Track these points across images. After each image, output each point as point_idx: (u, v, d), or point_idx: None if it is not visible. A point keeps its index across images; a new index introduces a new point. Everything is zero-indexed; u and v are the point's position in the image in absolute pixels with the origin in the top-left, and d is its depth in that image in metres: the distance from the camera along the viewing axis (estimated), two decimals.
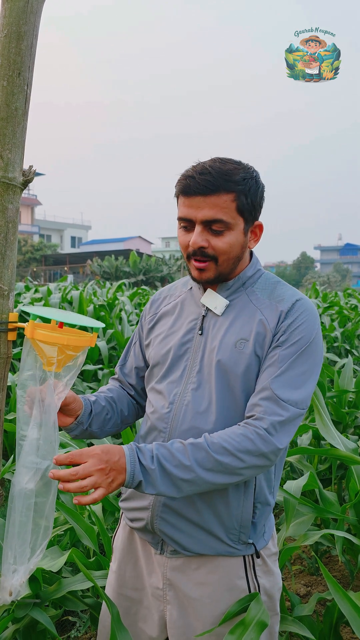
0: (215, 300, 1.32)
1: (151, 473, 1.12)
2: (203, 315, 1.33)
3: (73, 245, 59.81)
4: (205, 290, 1.35)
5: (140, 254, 28.76)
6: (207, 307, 1.33)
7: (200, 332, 1.32)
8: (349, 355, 4.69)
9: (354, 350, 6.63)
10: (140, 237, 52.88)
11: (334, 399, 3.81)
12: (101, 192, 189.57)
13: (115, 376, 1.55)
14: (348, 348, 6.65)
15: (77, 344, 1.16)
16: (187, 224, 1.27)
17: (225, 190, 1.21)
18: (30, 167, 1.25)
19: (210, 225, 1.23)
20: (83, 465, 1.06)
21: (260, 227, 1.32)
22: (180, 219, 1.28)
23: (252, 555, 1.30)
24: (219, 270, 1.27)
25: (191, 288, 1.42)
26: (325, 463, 3.28)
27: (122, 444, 4.00)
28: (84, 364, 4.95)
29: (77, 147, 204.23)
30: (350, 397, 3.97)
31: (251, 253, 1.37)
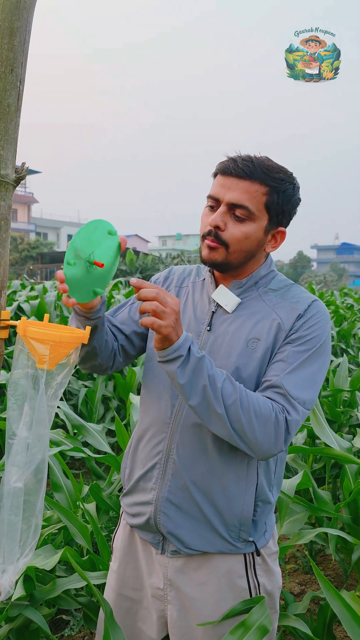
0: (227, 298, 1.30)
1: (191, 359, 1.12)
2: (213, 312, 1.31)
3: None
4: (216, 285, 1.33)
5: (136, 253, 28.73)
6: (217, 303, 1.32)
7: (208, 329, 1.30)
8: (344, 355, 4.70)
9: (349, 350, 6.64)
10: (137, 235, 52.87)
11: (329, 398, 3.82)
12: (98, 190, 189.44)
13: None
14: (344, 347, 6.66)
15: (69, 341, 1.15)
16: (214, 203, 1.26)
17: (260, 180, 1.22)
18: (23, 164, 1.24)
19: (234, 210, 1.23)
20: (164, 295, 1.08)
21: (283, 234, 1.31)
22: (209, 196, 1.28)
23: (252, 554, 1.30)
24: (228, 258, 1.26)
25: (204, 279, 1.40)
26: (320, 462, 3.28)
27: (116, 442, 3.99)
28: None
29: (74, 145, 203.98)
30: (345, 397, 3.97)
31: (267, 255, 1.36)
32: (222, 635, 1.26)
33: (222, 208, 1.24)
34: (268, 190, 1.23)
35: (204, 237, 1.28)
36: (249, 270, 1.32)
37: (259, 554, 1.30)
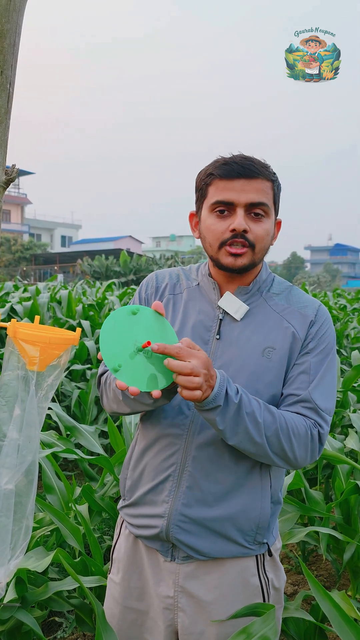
0: (235, 305, 1.28)
1: (230, 405, 1.12)
2: (220, 319, 1.29)
3: (63, 245, 59.61)
4: (220, 291, 1.31)
5: (130, 254, 28.70)
6: (222, 310, 1.29)
7: (218, 337, 1.28)
8: (337, 356, 4.72)
9: (342, 351, 6.66)
10: (130, 236, 52.82)
11: None
12: (92, 191, 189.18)
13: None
14: (337, 348, 6.68)
15: (59, 343, 1.15)
16: (226, 207, 1.23)
17: (265, 177, 1.24)
18: (13, 165, 1.24)
19: (253, 210, 1.23)
20: (193, 364, 1.05)
21: (279, 224, 1.35)
22: (218, 202, 1.23)
23: (263, 554, 1.30)
24: (253, 259, 1.25)
25: (198, 284, 1.36)
26: (312, 462, 3.29)
27: (109, 444, 3.99)
28: (73, 364, 4.93)
29: (68, 146, 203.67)
30: (338, 397, 3.99)
31: None
32: (230, 634, 1.24)
33: (240, 211, 1.22)
34: (272, 184, 1.26)
35: (222, 244, 1.24)
36: (253, 274, 1.31)
37: (271, 554, 1.31)
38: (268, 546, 1.30)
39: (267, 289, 1.33)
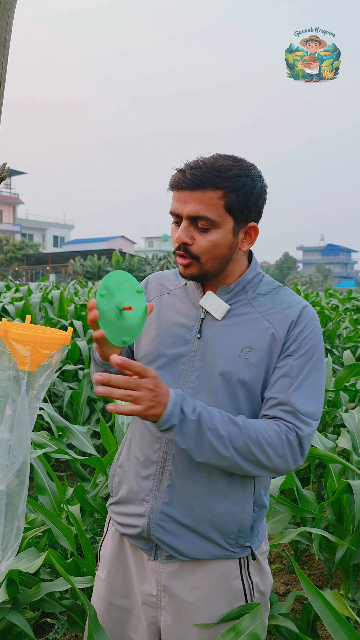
0: (215, 304, 1.27)
1: (188, 423, 1.11)
2: (202, 318, 1.29)
3: (55, 245, 59.44)
4: (203, 290, 1.31)
5: (123, 254, 28.69)
6: (205, 310, 1.29)
7: (198, 336, 1.27)
8: (329, 355, 4.73)
9: (334, 350, 6.68)
10: (123, 236, 52.75)
11: None
12: (84, 191, 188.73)
13: None
14: (329, 347, 6.70)
15: (50, 343, 1.15)
16: (177, 219, 1.24)
17: (212, 186, 1.17)
18: (4, 164, 1.24)
19: (196, 222, 1.20)
20: (138, 379, 1.06)
21: (255, 229, 1.26)
22: (170, 213, 1.25)
23: (247, 557, 1.30)
24: (203, 269, 1.23)
25: (185, 284, 1.37)
26: (305, 462, 3.30)
27: (101, 444, 3.98)
28: (65, 364, 4.91)
29: (60, 146, 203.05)
30: (330, 397, 4.00)
31: (251, 255, 1.34)
32: (215, 636, 1.25)
33: (183, 223, 1.21)
34: (223, 192, 1.18)
35: (175, 253, 1.26)
36: (235, 274, 1.29)
37: (254, 557, 1.30)
38: (251, 550, 1.29)
39: (253, 289, 1.30)
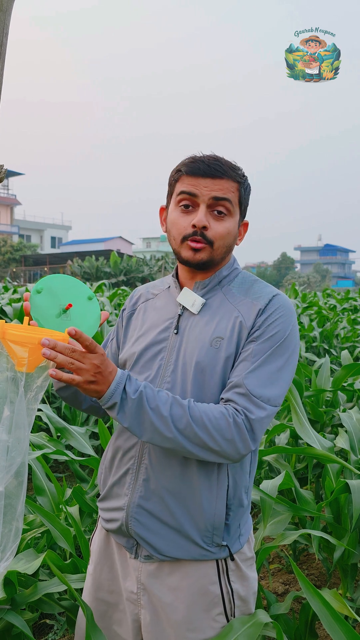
0: (190, 299, 1.32)
1: (129, 402, 1.14)
2: (179, 315, 1.32)
3: (53, 246, 59.38)
4: (181, 288, 1.35)
5: (121, 255, 28.65)
6: (183, 306, 1.33)
7: (175, 332, 1.31)
8: (327, 355, 4.74)
9: (332, 350, 6.69)
10: (121, 237, 52.74)
11: (312, 398, 3.85)
12: (82, 192, 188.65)
13: None
14: (326, 348, 6.71)
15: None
16: (190, 201, 1.27)
17: (231, 178, 1.27)
18: (1, 166, 1.24)
19: (215, 207, 1.26)
20: (83, 352, 1.09)
21: (246, 225, 1.39)
22: (183, 192, 1.27)
23: (225, 560, 1.29)
24: (212, 255, 1.28)
25: (169, 287, 1.42)
26: (303, 462, 3.30)
27: (100, 445, 3.98)
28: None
29: (58, 147, 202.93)
30: (328, 396, 4.01)
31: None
32: None
33: (203, 207, 1.26)
34: (238, 186, 1.29)
35: (184, 239, 1.28)
36: (217, 267, 1.34)
37: (232, 559, 1.30)
38: (229, 550, 1.28)
39: (229, 283, 1.34)
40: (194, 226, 1.26)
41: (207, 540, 1.26)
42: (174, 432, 1.15)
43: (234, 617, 1.31)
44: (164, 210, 1.39)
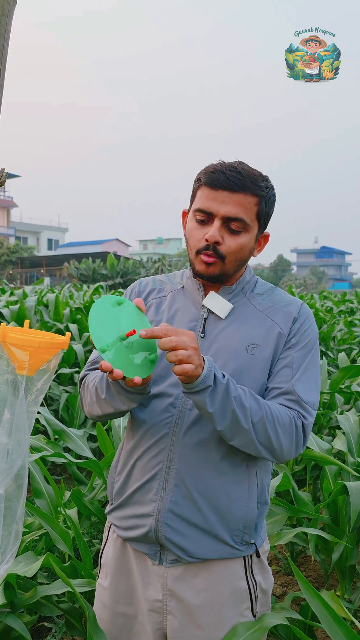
0: (219, 304, 1.32)
1: (219, 386, 1.13)
2: (205, 318, 1.32)
3: (50, 248, 59.33)
4: (204, 291, 1.34)
5: (117, 257, 28.65)
6: (207, 310, 1.32)
7: (202, 335, 1.30)
8: (324, 357, 4.75)
9: (329, 352, 6.70)
10: (117, 239, 52.79)
11: None
12: (79, 194, 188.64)
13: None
14: (323, 350, 6.72)
15: (49, 347, 1.15)
16: (205, 217, 1.26)
17: (251, 192, 1.24)
18: (2, 170, 1.24)
19: (229, 223, 1.24)
20: (181, 338, 1.08)
21: (267, 237, 1.36)
22: (199, 210, 1.27)
23: (251, 556, 1.31)
24: (224, 269, 1.28)
25: (182, 287, 1.39)
26: (301, 464, 3.31)
27: (98, 448, 3.98)
28: (61, 368, 4.91)
29: (55, 149, 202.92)
30: (325, 399, 4.02)
31: None
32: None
33: (217, 223, 1.24)
34: (258, 200, 1.25)
35: (198, 252, 1.28)
36: (236, 276, 1.34)
37: (259, 555, 1.32)
38: (256, 547, 1.31)
39: (251, 289, 1.36)
40: (207, 240, 1.25)
41: (237, 540, 1.27)
42: (249, 423, 1.16)
43: (258, 610, 1.32)
44: (185, 214, 1.37)
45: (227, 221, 1.24)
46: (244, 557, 1.30)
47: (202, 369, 1.12)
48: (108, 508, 1.41)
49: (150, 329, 1.10)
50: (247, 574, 1.30)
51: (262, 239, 1.35)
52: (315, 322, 1.39)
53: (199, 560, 1.26)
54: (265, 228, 1.33)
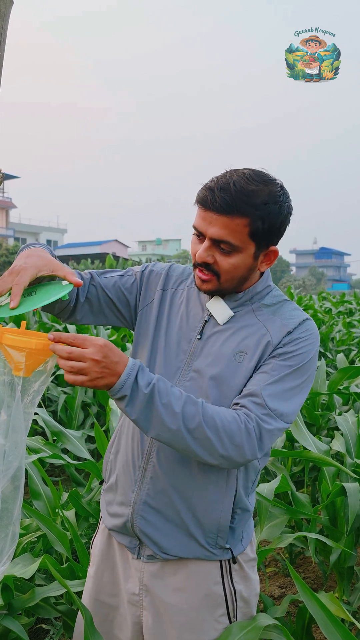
0: (220, 309, 1.30)
1: (140, 395, 1.09)
2: (205, 320, 1.31)
3: None
4: (212, 295, 1.32)
5: (116, 258, 28.61)
6: (210, 313, 1.31)
7: (199, 337, 1.30)
8: (322, 358, 4.76)
9: (327, 353, 6.70)
10: (116, 240, 52.82)
11: (308, 402, 3.86)
12: (78, 195, 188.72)
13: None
14: (322, 351, 6.72)
15: (45, 349, 1.15)
16: (199, 233, 1.25)
17: (239, 213, 1.17)
18: None
19: (219, 244, 1.21)
20: (81, 350, 1.06)
21: (275, 253, 1.28)
22: (194, 227, 1.26)
23: (228, 561, 1.30)
24: (221, 286, 1.26)
25: (193, 284, 1.39)
26: (299, 465, 3.31)
27: (96, 449, 3.98)
28: (59, 369, 4.90)
29: (54, 150, 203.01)
30: (323, 400, 4.02)
31: None
32: None
33: (206, 243, 1.22)
34: (249, 220, 1.18)
35: (194, 266, 1.28)
36: (246, 285, 1.31)
37: (235, 561, 1.30)
38: (232, 553, 1.29)
39: (260, 300, 1.32)
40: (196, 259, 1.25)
41: (210, 542, 1.27)
42: (182, 430, 1.12)
43: (236, 618, 1.31)
44: None
45: (215, 242, 1.21)
46: (221, 562, 1.29)
47: (118, 377, 1.08)
48: (103, 486, 1.44)
49: (58, 333, 1.08)
50: (225, 580, 1.29)
51: (269, 254, 1.27)
52: (315, 322, 1.33)
53: (174, 558, 1.27)
54: (269, 244, 1.25)
